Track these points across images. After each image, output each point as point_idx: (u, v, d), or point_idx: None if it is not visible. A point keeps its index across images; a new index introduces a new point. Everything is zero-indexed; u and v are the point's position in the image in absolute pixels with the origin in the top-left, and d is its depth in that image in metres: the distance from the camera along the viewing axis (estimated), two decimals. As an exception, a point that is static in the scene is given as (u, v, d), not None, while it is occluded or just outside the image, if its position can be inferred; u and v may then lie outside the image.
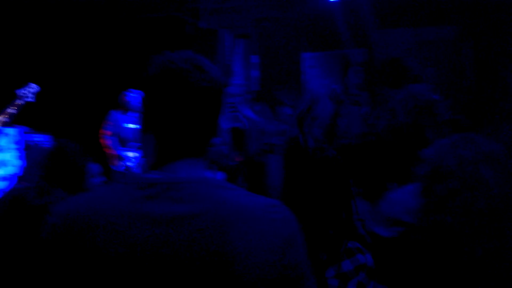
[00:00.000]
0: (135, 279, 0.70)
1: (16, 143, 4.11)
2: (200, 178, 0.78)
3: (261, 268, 0.71)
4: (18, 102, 2.23)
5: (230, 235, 0.71)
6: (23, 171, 1.97)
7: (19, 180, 1.96)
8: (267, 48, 5.53)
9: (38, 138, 4.04)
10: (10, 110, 2.19)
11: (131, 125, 4.55)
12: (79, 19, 5.34)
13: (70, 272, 0.71)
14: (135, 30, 5.33)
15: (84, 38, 5.46)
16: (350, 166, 1.75)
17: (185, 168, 0.78)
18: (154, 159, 0.80)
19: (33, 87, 2.28)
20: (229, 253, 0.70)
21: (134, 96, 4.51)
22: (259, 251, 0.72)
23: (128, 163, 4.50)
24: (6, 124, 2.15)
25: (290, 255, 0.74)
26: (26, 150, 2.04)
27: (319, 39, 5.30)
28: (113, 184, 0.80)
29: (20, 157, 2.04)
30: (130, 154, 4.56)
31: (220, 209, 0.73)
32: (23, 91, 2.26)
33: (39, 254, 0.75)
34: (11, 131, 4.18)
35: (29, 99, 2.25)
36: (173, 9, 5.42)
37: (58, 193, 1.76)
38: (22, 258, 1.49)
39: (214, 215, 0.72)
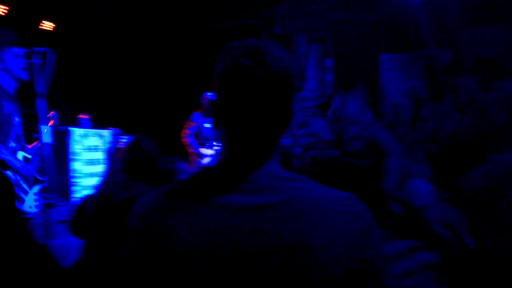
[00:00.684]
0: (215, 265, 0.72)
1: (108, 143, 4.54)
2: (272, 171, 0.78)
3: (337, 260, 0.70)
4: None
5: (307, 226, 0.71)
6: (110, 168, 2.16)
7: (107, 177, 2.16)
8: (343, 51, 5.41)
9: (126, 139, 4.42)
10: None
11: (210, 125, 4.85)
12: (165, 29, 5.79)
13: (156, 260, 0.75)
14: (215, 38, 5.66)
15: (170, 48, 5.92)
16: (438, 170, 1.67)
17: (256, 162, 0.79)
18: (225, 153, 0.81)
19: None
20: (307, 244, 0.70)
21: (212, 97, 4.81)
22: (335, 243, 0.71)
23: (207, 160, 4.78)
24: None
25: (366, 249, 0.73)
26: (113, 150, 2.24)
27: (398, 40, 5.03)
28: (189, 178, 0.82)
29: (109, 156, 2.25)
30: (209, 151, 4.83)
31: (295, 201, 0.73)
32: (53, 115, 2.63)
33: (127, 243, 0.80)
34: (104, 132, 4.63)
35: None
36: (249, 17, 5.62)
37: (139, 187, 1.88)
38: (111, 249, 1.60)
39: (289, 207, 0.72)
